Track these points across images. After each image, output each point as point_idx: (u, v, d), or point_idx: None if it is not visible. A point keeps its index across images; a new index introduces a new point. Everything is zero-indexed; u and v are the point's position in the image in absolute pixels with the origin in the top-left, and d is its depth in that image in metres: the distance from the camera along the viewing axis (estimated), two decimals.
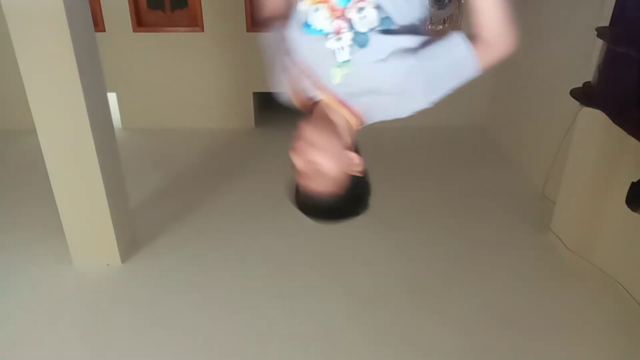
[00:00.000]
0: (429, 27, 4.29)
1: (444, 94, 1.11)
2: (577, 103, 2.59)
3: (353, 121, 1.16)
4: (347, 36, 1.08)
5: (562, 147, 3.19)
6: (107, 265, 2.95)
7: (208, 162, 4.31)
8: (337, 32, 1.09)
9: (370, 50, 1.08)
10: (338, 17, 1.08)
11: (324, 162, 1.09)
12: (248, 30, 4.58)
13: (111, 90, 4.42)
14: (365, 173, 1.19)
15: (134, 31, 4.59)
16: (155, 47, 4.67)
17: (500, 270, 2.96)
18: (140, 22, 4.61)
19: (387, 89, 1.11)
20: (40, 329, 2.55)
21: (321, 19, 1.09)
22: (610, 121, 2.30)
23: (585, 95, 2.42)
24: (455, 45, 1.07)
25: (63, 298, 2.76)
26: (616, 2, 2.38)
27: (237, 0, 4.47)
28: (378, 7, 1.08)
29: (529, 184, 3.84)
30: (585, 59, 2.77)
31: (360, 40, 1.08)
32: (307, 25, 1.11)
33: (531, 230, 3.30)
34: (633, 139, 2.18)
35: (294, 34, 1.15)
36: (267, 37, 1.26)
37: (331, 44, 1.09)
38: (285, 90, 1.25)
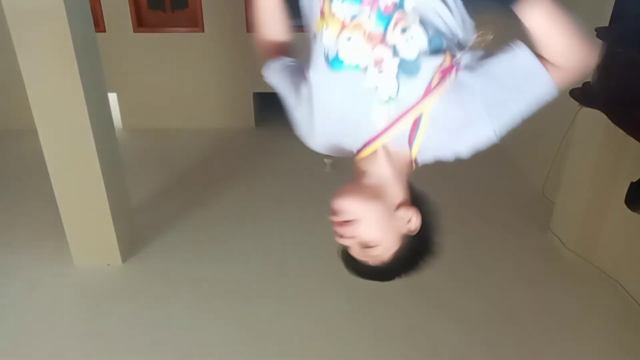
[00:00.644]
0: None
1: (515, 120, 0.89)
2: (577, 103, 2.60)
3: (402, 168, 0.95)
4: (392, 65, 0.87)
5: (562, 147, 3.19)
6: (108, 264, 2.96)
7: (208, 162, 4.31)
8: (379, 63, 0.87)
9: (421, 77, 0.87)
10: (377, 44, 0.87)
11: (369, 235, 0.91)
12: (248, 30, 4.59)
13: (112, 91, 4.42)
14: (426, 225, 0.97)
15: (134, 31, 4.60)
16: (155, 48, 4.68)
17: (500, 270, 2.96)
18: (140, 23, 4.61)
19: (441, 121, 0.89)
20: (40, 328, 2.55)
21: (356, 50, 0.88)
22: (609, 121, 2.30)
23: (584, 95, 2.42)
24: (521, 60, 0.86)
25: (64, 297, 2.77)
26: (616, 3, 2.39)
27: (237, 0, 4.48)
28: (424, 23, 0.86)
29: (529, 184, 3.84)
30: None
31: (409, 68, 0.87)
32: (336, 60, 0.89)
33: (530, 230, 3.30)
34: (632, 139, 2.18)
35: (317, 74, 0.93)
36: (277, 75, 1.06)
37: (372, 79, 0.88)
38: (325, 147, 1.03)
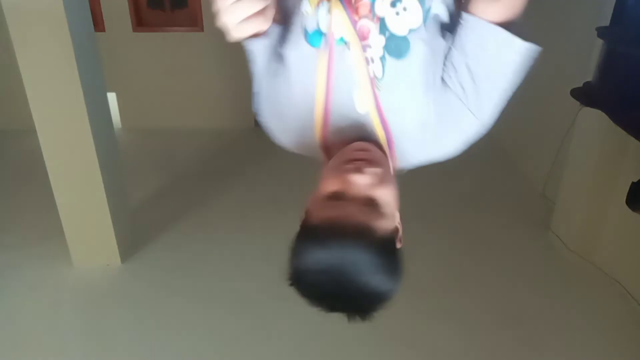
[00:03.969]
0: None
1: (502, 102, 0.81)
2: (578, 103, 2.59)
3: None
4: (379, 42, 0.74)
5: (563, 147, 3.18)
6: (107, 265, 2.95)
7: (208, 162, 4.31)
8: (364, 38, 0.74)
9: (411, 61, 0.74)
10: (363, 17, 0.73)
11: (385, 186, 0.81)
12: None
13: (111, 90, 4.41)
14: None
15: (133, 31, 4.59)
16: (155, 47, 4.67)
17: (500, 270, 2.96)
18: (140, 22, 4.61)
19: (427, 118, 0.79)
20: (40, 329, 2.55)
21: (339, 22, 0.74)
22: (610, 121, 2.30)
23: (585, 95, 2.42)
24: (499, 38, 0.77)
25: (63, 298, 2.76)
26: (616, 2, 2.38)
27: None
28: None
29: (529, 183, 3.84)
30: (585, 59, 2.77)
31: (397, 48, 0.73)
32: (316, 34, 0.76)
33: (531, 230, 3.30)
34: (633, 138, 2.18)
35: (295, 48, 0.80)
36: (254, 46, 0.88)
37: (355, 56, 0.75)
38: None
